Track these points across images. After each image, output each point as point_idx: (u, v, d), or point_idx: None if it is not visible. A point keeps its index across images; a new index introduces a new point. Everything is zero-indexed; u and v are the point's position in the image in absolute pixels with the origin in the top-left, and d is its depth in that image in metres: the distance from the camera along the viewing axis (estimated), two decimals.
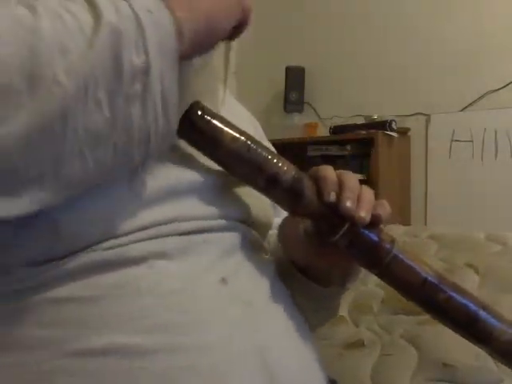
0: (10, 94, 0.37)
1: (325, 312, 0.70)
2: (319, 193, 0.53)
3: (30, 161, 0.39)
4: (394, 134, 2.69)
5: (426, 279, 0.55)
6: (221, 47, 0.56)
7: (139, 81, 0.41)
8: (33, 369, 0.44)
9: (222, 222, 0.54)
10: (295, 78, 3.04)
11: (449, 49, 2.67)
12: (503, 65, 2.53)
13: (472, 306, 0.55)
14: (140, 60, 0.41)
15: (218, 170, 0.55)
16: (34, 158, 0.39)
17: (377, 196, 0.56)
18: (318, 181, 0.54)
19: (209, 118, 0.51)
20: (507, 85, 2.52)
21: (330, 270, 0.61)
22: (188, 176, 0.53)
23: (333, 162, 2.85)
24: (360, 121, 2.81)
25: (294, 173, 0.53)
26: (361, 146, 2.71)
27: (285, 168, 0.53)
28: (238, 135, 0.52)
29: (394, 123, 2.67)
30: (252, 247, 0.58)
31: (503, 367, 0.97)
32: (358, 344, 1.18)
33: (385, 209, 0.54)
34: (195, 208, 0.52)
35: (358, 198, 0.53)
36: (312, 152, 2.89)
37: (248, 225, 0.59)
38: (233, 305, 0.51)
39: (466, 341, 0.57)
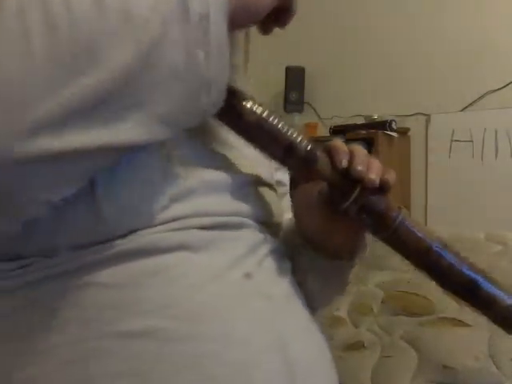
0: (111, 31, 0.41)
1: (331, 289, 0.71)
2: (332, 161, 0.57)
3: (131, 88, 0.42)
4: (394, 134, 2.68)
5: (431, 245, 0.58)
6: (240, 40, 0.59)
7: (201, 27, 0.44)
8: (76, 347, 0.47)
9: (245, 220, 0.57)
10: (295, 78, 3.03)
11: (449, 49, 2.66)
12: (503, 65, 2.53)
13: (474, 274, 0.59)
14: (202, 8, 0.44)
15: (242, 172, 0.59)
16: (134, 86, 0.42)
17: None
18: (330, 151, 0.57)
19: (232, 90, 0.55)
20: (507, 85, 2.51)
21: (339, 240, 0.63)
22: (215, 175, 0.56)
23: None
24: (360, 121, 2.80)
25: (308, 143, 0.56)
26: (361, 145, 2.70)
27: (299, 138, 0.56)
28: (257, 107, 0.55)
29: (393, 123, 2.67)
30: (271, 246, 0.60)
31: (503, 369, 0.97)
32: (358, 345, 1.18)
33: (392, 176, 0.58)
34: (219, 205, 0.55)
35: (368, 164, 0.57)
36: None
37: (267, 225, 0.61)
38: (255, 299, 0.53)
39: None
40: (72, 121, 0.41)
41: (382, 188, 0.57)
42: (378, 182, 0.57)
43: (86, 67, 0.40)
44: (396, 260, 1.44)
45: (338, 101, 2.96)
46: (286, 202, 0.77)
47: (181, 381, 0.46)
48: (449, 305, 1.34)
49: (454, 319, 1.23)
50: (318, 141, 0.59)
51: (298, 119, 3.03)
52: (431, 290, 1.25)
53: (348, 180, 0.57)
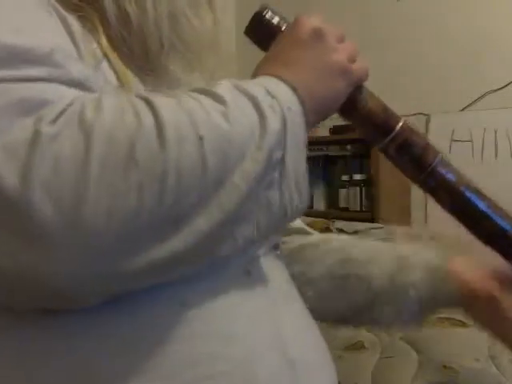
0: (204, 191, 0.43)
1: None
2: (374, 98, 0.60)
3: (208, 243, 0.45)
4: None
5: (469, 183, 0.60)
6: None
7: (277, 169, 0.47)
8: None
9: None
10: None
11: (449, 49, 2.66)
12: (503, 65, 2.53)
13: (506, 222, 0.60)
14: (279, 153, 0.47)
15: None
16: (210, 240, 0.45)
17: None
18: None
19: (273, 21, 0.59)
20: (507, 85, 2.51)
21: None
22: None
23: (333, 161, 2.85)
24: None
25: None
26: (361, 146, 2.70)
27: None
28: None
29: None
30: (269, 243, 0.60)
31: (503, 369, 0.97)
32: (358, 346, 1.18)
33: None
34: None
35: None
36: (312, 152, 2.87)
37: None
38: (255, 296, 0.53)
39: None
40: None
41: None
42: None
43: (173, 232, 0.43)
44: None
45: None
46: None
47: (182, 380, 0.46)
48: None
49: (453, 319, 1.23)
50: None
51: None
52: None
53: (389, 117, 0.59)
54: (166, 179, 0.41)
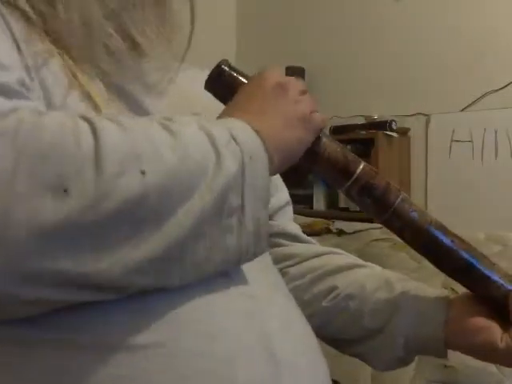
0: (144, 223, 0.43)
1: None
2: (335, 143, 0.61)
3: (154, 275, 0.45)
4: (394, 134, 2.69)
5: (431, 220, 0.61)
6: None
7: (235, 216, 0.47)
8: None
9: None
10: None
11: (449, 49, 2.66)
12: (503, 65, 2.53)
13: (470, 256, 0.61)
14: (236, 200, 0.47)
15: None
16: (155, 274, 0.45)
17: None
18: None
19: (234, 73, 0.60)
20: (507, 85, 2.51)
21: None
22: None
23: None
24: (360, 121, 2.80)
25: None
26: (361, 146, 2.71)
27: None
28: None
29: (393, 123, 2.67)
30: None
31: (503, 369, 0.97)
32: None
33: None
34: None
35: None
36: None
37: None
38: (237, 297, 0.53)
39: None
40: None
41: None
42: None
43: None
44: (396, 259, 1.44)
45: (337, 101, 2.96)
46: (288, 212, 0.79)
47: (162, 380, 0.46)
48: None
49: None
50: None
51: None
52: None
53: (349, 162, 0.60)
54: (97, 209, 0.40)
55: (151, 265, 0.44)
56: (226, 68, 0.61)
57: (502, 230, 1.64)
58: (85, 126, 0.42)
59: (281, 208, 0.78)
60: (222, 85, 0.60)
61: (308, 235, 0.81)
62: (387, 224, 0.62)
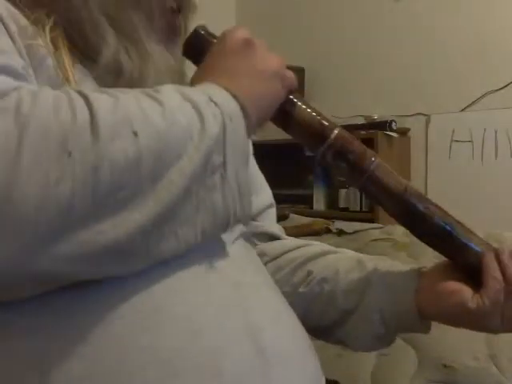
0: (139, 187, 0.44)
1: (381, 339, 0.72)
2: (309, 107, 0.61)
3: (145, 238, 0.46)
4: (394, 134, 2.68)
5: (407, 185, 0.60)
6: None
7: (218, 173, 0.49)
8: None
9: None
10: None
11: (449, 49, 2.66)
12: (503, 65, 2.53)
13: (446, 223, 0.61)
14: (218, 158, 0.49)
15: None
16: (147, 236, 0.46)
17: None
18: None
19: (210, 38, 0.60)
20: (507, 85, 2.51)
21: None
22: None
23: None
24: (360, 121, 2.80)
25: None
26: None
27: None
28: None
29: (393, 123, 2.67)
30: (236, 234, 0.60)
31: (503, 369, 0.97)
32: None
33: None
34: None
35: None
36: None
37: None
38: (222, 287, 0.53)
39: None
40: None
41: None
42: None
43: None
44: (396, 259, 1.44)
45: (337, 101, 2.95)
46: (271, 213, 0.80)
47: (146, 376, 0.46)
48: None
49: None
50: None
51: None
52: None
53: (324, 126, 0.59)
54: (98, 172, 0.42)
55: (154, 226, 0.45)
56: (202, 32, 0.61)
57: (501, 230, 1.64)
58: (78, 98, 0.45)
59: (265, 209, 0.79)
60: (198, 49, 0.60)
61: (308, 235, 0.81)
62: (363, 190, 0.62)
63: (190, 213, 0.47)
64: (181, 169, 0.46)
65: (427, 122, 2.75)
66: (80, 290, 0.47)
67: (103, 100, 0.45)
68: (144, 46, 0.61)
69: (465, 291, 0.62)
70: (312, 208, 2.88)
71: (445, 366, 1.01)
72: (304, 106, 0.60)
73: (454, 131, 2.67)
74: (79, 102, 0.44)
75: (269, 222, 0.80)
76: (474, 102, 2.61)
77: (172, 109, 0.47)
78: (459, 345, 1.02)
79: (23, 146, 0.41)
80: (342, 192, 2.75)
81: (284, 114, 0.59)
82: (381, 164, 0.61)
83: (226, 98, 0.51)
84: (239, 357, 0.50)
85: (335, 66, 3.01)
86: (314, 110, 0.61)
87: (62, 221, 0.41)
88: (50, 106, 0.43)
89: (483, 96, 2.58)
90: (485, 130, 2.59)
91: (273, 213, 0.82)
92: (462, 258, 0.62)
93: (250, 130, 0.53)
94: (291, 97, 0.60)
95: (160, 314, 0.48)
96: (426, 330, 0.69)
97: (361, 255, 0.75)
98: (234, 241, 0.59)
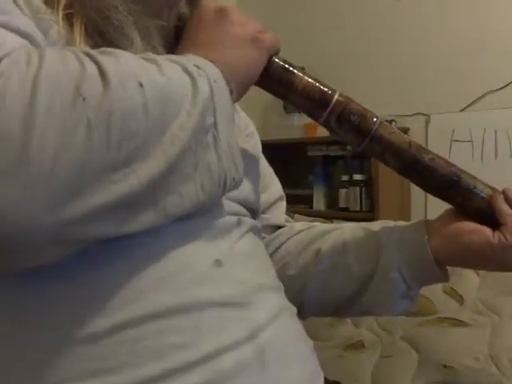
0: (148, 140, 0.44)
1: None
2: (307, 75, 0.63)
3: (154, 190, 0.46)
4: None
5: (410, 141, 0.62)
6: None
7: (210, 133, 0.49)
8: None
9: (217, 203, 0.57)
10: None
11: (449, 49, 2.66)
12: (503, 65, 2.53)
13: (451, 172, 0.63)
14: (210, 118, 0.49)
15: None
16: (154, 190, 0.46)
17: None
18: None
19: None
20: (507, 85, 2.51)
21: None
22: None
23: (333, 161, 2.85)
24: None
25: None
26: None
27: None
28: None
29: (393, 123, 2.67)
30: (245, 227, 0.60)
31: (503, 369, 0.97)
32: (359, 345, 1.18)
33: None
34: None
35: None
36: (312, 152, 2.88)
37: (241, 205, 0.62)
38: (227, 285, 0.53)
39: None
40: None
41: None
42: None
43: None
44: None
45: None
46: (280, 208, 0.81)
47: (145, 371, 0.46)
48: (449, 305, 1.34)
49: (453, 319, 1.23)
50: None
51: (298, 119, 3.03)
52: (431, 290, 1.25)
53: (325, 91, 0.61)
54: (111, 117, 0.42)
55: (163, 178, 0.45)
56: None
57: None
58: (83, 55, 0.45)
59: (275, 202, 0.81)
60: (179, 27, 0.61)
61: None
62: (368, 150, 0.63)
63: (191, 170, 0.48)
64: (182, 124, 0.46)
65: (427, 122, 2.75)
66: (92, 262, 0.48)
67: (106, 55, 0.46)
68: (158, 53, 0.61)
69: (484, 229, 0.64)
70: (312, 208, 2.88)
71: (445, 366, 1.01)
72: (303, 74, 0.62)
73: (453, 131, 2.67)
74: (85, 57, 0.45)
75: (277, 214, 0.80)
76: (473, 102, 2.61)
77: (166, 69, 0.48)
78: (459, 345, 1.02)
79: (37, 94, 0.40)
80: (342, 192, 2.75)
81: (283, 82, 0.60)
82: (383, 122, 0.62)
83: (207, 64, 0.52)
84: (238, 354, 0.50)
85: (335, 66, 3.01)
86: (311, 76, 0.62)
87: (80, 170, 0.41)
88: (58, 59, 0.43)
89: (483, 96, 2.58)
90: (485, 129, 2.59)
91: (283, 205, 0.83)
92: (470, 203, 0.63)
93: (233, 98, 0.53)
94: (276, 59, 0.60)
95: (165, 311, 0.48)
96: (446, 278, 0.70)
97: (363, 223, 0.76)
98: (241, 236, 0.59)
